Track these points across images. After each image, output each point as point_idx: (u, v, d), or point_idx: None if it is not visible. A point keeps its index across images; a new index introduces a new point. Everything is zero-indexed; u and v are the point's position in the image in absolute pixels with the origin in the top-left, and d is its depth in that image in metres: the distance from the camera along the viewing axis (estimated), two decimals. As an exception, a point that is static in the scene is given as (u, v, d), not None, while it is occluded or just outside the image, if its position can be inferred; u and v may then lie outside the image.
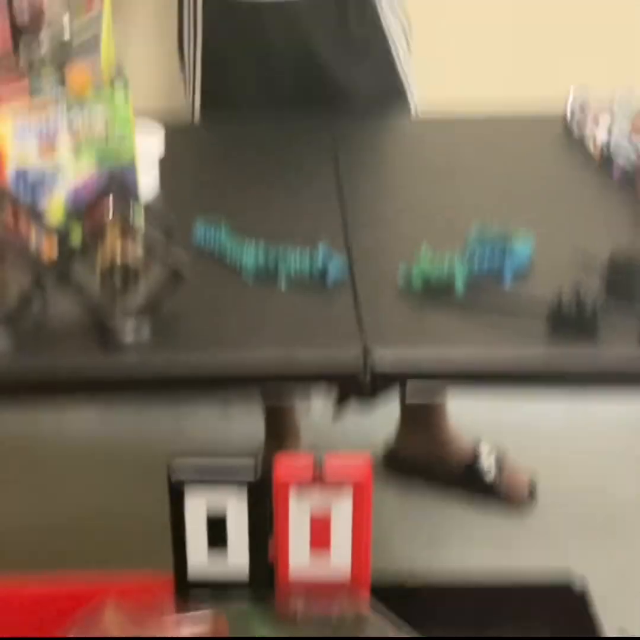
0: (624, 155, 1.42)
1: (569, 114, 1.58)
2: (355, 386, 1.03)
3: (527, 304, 1.06)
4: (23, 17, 1.35)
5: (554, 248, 1.20)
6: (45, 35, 1.35)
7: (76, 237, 1.14)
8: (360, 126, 1.69)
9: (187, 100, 1.89)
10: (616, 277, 1.09)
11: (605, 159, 1.45)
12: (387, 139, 1.68)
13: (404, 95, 1.87)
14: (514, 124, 1.64)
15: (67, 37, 1.33)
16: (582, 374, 1.04)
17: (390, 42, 1.84)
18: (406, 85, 1.87)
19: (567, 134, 1.56)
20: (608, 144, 1.45)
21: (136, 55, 2.13)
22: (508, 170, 1.47)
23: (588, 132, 1.51)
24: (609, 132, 1.48)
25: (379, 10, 1.84)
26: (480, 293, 1.11)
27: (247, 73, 1.80)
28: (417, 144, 1.65)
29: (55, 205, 1.19)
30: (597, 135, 1.49)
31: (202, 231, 1.25)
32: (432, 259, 1.13)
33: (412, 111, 1.88)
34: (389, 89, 1.85)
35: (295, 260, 1.15)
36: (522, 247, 1.16)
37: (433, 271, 1.12)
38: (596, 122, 1.53)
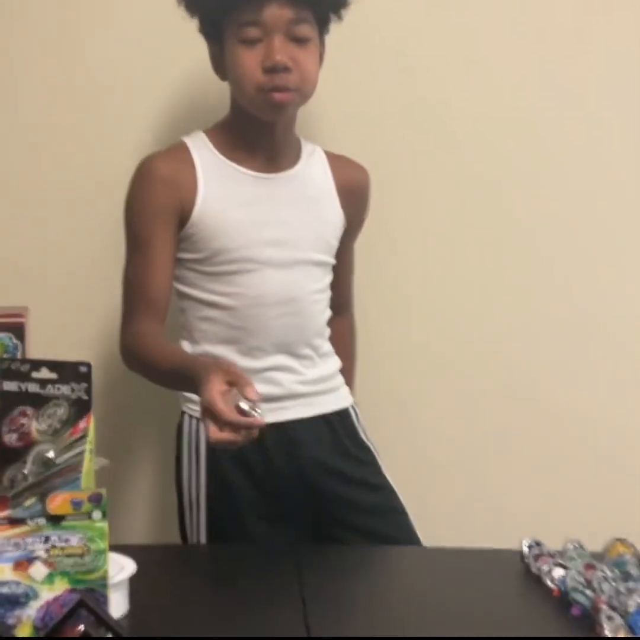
0: (580, 591, 1.46)
1: (526, 549, 1.63)
2: None
3: None
4: (11, 439, 1.43)
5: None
6: (30, 455, 1.42)
7: (44, 653, 1.14)
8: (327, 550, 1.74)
9: (191, 537, 1.87)
10: None
11: (563, 596, 1.48)
12: (351, 566, 1.71)
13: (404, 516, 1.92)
14: (473, 557, 1.70)
15: (51, 456, 1.40)
16: None
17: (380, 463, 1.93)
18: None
19: (525, 569, 1.61)
20: (564, 581, 1.49)
21: (120, 486, 2.20)
22: (468, 607, 1.50)
23: (544, 568, 1.56)
24: (565, 568, 1.53)
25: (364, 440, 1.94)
26: None
27: (252, 507, 1.83)
28: (379, 572, 1.69)
29: (24, 621, 1.20)
30: (554, 572, 1.54)
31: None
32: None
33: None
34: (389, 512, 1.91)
35: None
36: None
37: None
38: (552, 558, 1.58)
